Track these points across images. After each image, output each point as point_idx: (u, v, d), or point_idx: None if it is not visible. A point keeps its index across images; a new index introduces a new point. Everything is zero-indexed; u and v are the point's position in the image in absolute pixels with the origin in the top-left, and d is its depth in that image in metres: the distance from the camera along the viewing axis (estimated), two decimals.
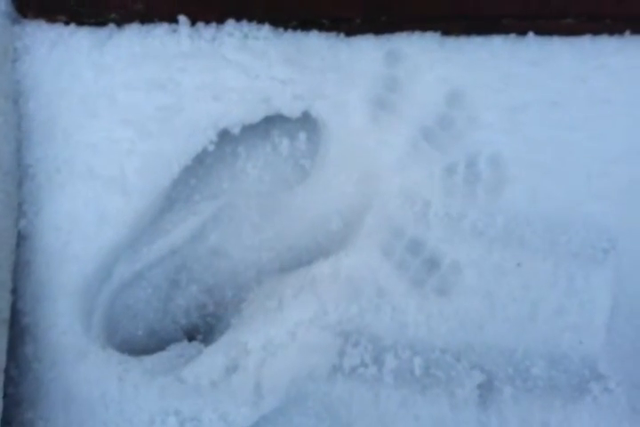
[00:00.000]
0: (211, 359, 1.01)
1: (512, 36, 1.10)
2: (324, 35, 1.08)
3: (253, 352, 1.00)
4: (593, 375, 1.09)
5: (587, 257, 1.10)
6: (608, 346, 1.11)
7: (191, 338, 1.10)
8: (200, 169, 1.11)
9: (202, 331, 1.12)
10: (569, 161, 1.09)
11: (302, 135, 1.13)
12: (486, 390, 1.07)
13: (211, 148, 1.06)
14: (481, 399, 1.06)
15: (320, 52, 1.08)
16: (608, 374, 1.10)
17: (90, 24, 1.04)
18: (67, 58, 1.03)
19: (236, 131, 1.07)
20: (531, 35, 1.10)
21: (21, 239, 1.01)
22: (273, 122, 1.12)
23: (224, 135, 1.07)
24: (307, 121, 1.11)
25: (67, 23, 1.04)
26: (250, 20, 1.06)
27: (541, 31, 1.09)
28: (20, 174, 1.02)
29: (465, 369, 1.07)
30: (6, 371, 0.97)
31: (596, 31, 1.10)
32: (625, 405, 1.09)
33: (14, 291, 1.00)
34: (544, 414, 1.07)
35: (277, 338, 1.01)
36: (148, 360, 1.03)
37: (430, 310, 1.07)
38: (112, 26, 1.04)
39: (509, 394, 1.06)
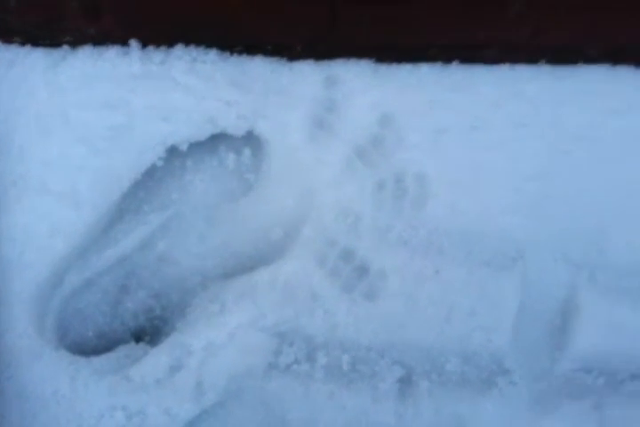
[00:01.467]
0: (156, 359, 1.10)
1: (438, 64, 1.20)
2: (267, 59, 1.17)
3: (195, 353, 1.10)
4: (500, 370, 1.23)
5: (497, 265, 1.23)
6: (514, 344, 1.24)
7: (138, 340, 1.19)
8: (150, 182, 1.19)
9: (149, 333, 1.20)
10: (485, 179, 1.22)
11: (247, 151, 1.22)
12: (405, 383, 1.19)
13: (159, 163, 1.13)
14: (400, 392, 1.18)
15: (263, 75, 1.16)
16: (513, 369, 1.23)
17: (45, 45, 1.09)
18: (22, 77, 1.09)
19: (183, 147, 1.15)
20: (455, 63, 1.21)
21: None
22: (220, 138, 1.20)
23: (173, 151, 1.15)
24: (251, 138, 1.20)
25: (23, 44, 1.09)
26: (198, 44, 1.13)
27: (465, 60, 1.20)
28: None
29: (387, 365, 1.19)
30: None
31: (514, 61, 1.22)
32: (526, 396, 1.23)
33: None
34: (455, 405, 1.19)
35: (218, 339, 1.10)
36: (98, 360, 1.11)
37: (358, 312, 1.18)
38: (66, 47, 1.10)
39: (425, 387, 1.19)
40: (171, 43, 1.11)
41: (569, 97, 1.23)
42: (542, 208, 1.23)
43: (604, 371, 1.28)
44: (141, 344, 1.16)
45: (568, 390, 1.26)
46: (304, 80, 1.18)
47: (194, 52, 1.13)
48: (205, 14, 1.03)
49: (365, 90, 1.19)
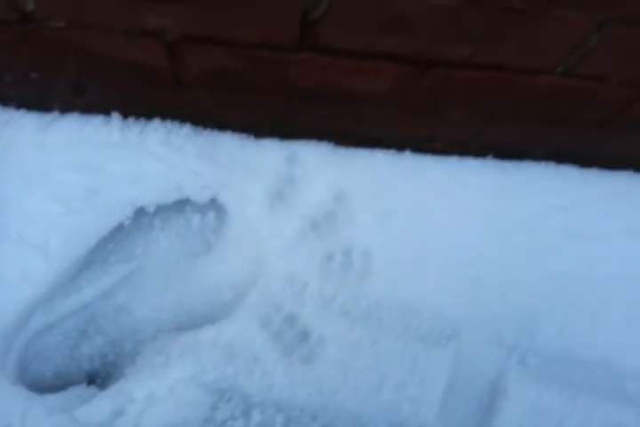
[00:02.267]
0: (102, 403, 1.19)
1: (392, 151, 1.31)
2: (236, 135, 1.29)
3: (137, 401, 1.19)
4: None
5: (432, 341, 1.30)
6: (440, 417, 1.31)
7: (91, 382, 1.29)
8: (119, 236, 1.30)
9: (101, 376, 1.30)
10: (425, 261, 1.30)
11: (212, 214, 1.33)
12: None
13: (127, 222, 1.25)
14: None
15: (231, 149, 1.28)
16: None
17: (37, 110, 1.23)
18: (14, 136, 1.22)
19: (151, 209, 1.26)
20: (408, 152, 1.31)
21: None
22: (187, 202, 1.32)
23: (141, 212, 1.27)
24: (214, 205, 1.31)
25: (18, 107, 1.23)
26: (174, 119, 1.26)
27: (416, 150, 1.31)
28: None
29: None
30: None
31: (462, 153, 1.32)
32: None
33: None
34: None
35: (159, 390, 1.20)
36: (50, 398, 1.21)
37: (295, 375, 1.26)
38: (56, 113, 1.23)
39: None
40: (149, 117, 1.23)
41: (514, 190, 1.32)
42: (478, 292, 1.31)
43: None
44: (92, 387, 1.26)
45: None
46: (268, 156, 1.29)
47: (169, 124, 1.25)
48: (178, 101, 1.15)
49: (323, 169, 1.29)
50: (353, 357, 1.27)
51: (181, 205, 1.31)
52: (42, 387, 1.25)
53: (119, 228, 1.27)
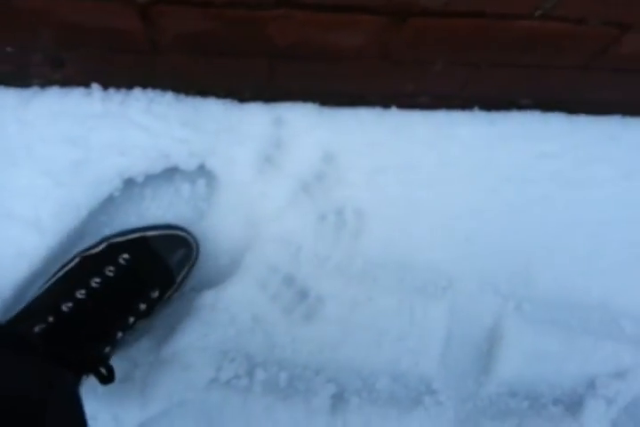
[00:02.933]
0: None
1: (378, 108, 1.30)
2: (220, 101, 1.28)
3: (141, 366, 1.22)
4: (427, 391, 1.33)
5: (428, 293, 1.33)
6: (441, 367, 1.34)
7: None
8: (110, 207, 1.30)
9: None
10: (417, 216, 1.32)
11: (201, 181, 1.33)
12: (337, 399, 1.30)
13: (117, 193, 1.25)
14: (332, 407, 1.28)
15: (215, 115, 1.27)
16: (440, 390, 1.33)
17: (16, 86, 1.21)
18: None
19: (139, 179, 1.26)
20: (394, 108, 1.30)
21: None
22: (176, 169, 1.32)
23: (130, 182, 1.27)
24: (203, 171, 1.31)
25: None
26: (155, 87, 1.24)
27: (402, 106, 1.30)
28: None
29: (321, 382, 1.29)
30: None
31: (449, 107, 1.31)
32: (451, 415, 1.32)
33: None
34: (384, 422, 1.30)
35: (163, 355, 1.22)
36: None
37: (295, 333, 1.29)
38: (36, 88, 1.22)
39: (356, 404, 1.29)
40: (129, 86, 1.21)
41: (501, 140, 1.32)
42: (471, 243, 1.33)
43: (529, 395, 1.37)
44: None
45: (492, 411, 1.36)
46: (253, 120, 1.28)
47: (151, 93, 1.24)
48: (158, 68, 1.13)
49: (310, 130, 1.29)
50: (351, 313, 1.30)
51: (170, 173, 1.31)
52: None
53: (110, 199, 1.27)
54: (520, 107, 1.30)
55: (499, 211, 1.33)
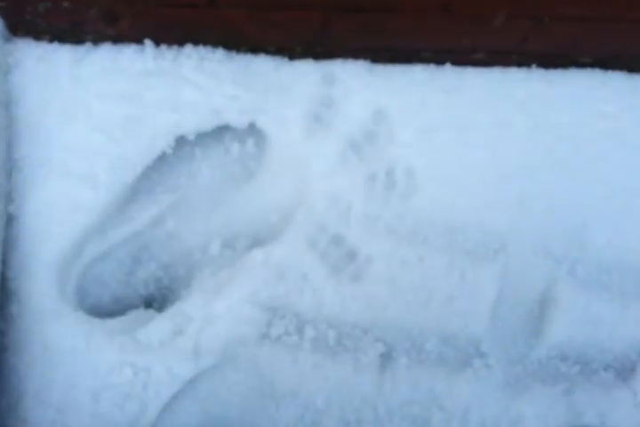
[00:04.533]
0: (160, 324, 1.24)
1: (431, 65, 1.27)
2: (270, 58, 1.27)
3: (195, 320, 1.23)
4: (476, 353, 1.32)
5: (479, 255, 1.31)
6: (491, 329, 1.33)
7: (148, 306, 1.33)
8: (162, 166, 1.31)
9: (157, 300, 1.35)
10: (470, 176, 1.29)
11: (251, 141, 1.33)
12: (386, 358, 1.30)
13: (169, 151, 1.26)
14: (381, 366, 1.29)
15: (266, 73, 1.27)
16: (489, 353, 1.32)
17: (70, 43, 1.22)
18: (50, 71, 1.22)
19: (191, 137, 1.27)
20: (448, 65, 1.28)
21: (10, 220, 1.22)
22: (226, 129, 1.32)
23: (181, 140, 1.28)
24: (253, 130, 1.31)
25: (51, 41, 1.22)
26: (206, 44, 1.24)
27: (457, 63, 1.27)
28: (11, 167, 1.23)
29: (370, 341, 1.30)
30: None
31: (505, 64, 1.28)
32: (500, 378, 1.32)
33: (4, 261, 1.22)
34: (432, 382, 1.29)
35: (216, 310, 1.24)
36: (111, 322, 1.26)
37: (345, 292, 1.29)
38: (89, 44, 1.23)
39: (404, 363, 1.29)
40: (181, 43, 1.21)
41: (558, 100, 1.28)
42: (525, 204, 1.30)
43: (580, 360, 1.35)
44: (150, 310, 1.31)
45: (541, 375, 1.34)
46: (303, 78, 1.27)
47: (202, 51, 1.24)
48: (211, 23, 1.13)
49: (361, 88, 1.27)
50: (400, 274, 1.29)
51: (220, 132, 1.31)
52: (101, 312, 1.30)
53: (162, 157, 1.28)
54: (579, 65, 1.26)
55: (554, 171, 1.30)
